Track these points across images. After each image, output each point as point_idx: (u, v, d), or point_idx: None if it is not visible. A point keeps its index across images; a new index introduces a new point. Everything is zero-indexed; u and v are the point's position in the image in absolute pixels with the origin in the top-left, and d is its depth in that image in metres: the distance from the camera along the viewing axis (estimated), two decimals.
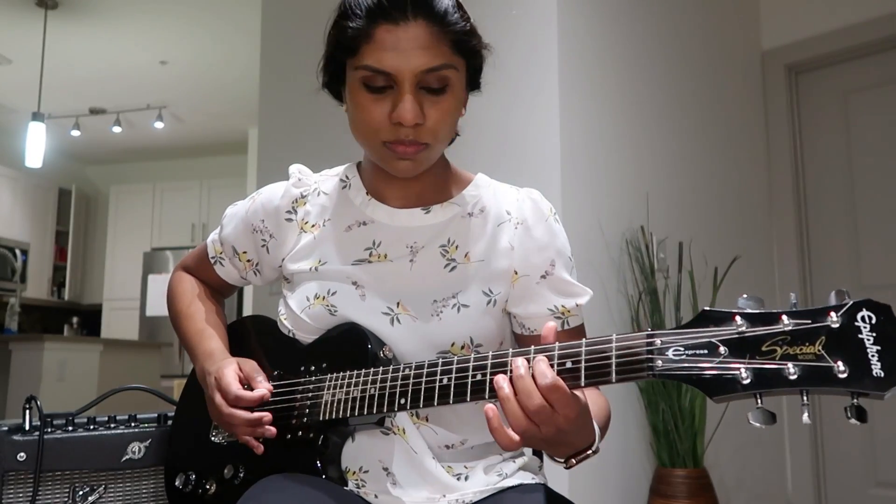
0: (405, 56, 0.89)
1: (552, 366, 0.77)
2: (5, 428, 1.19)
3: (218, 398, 0.97)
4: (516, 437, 0.77)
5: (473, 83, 1.02)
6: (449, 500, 0.96)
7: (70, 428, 1.23)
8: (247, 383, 0.99)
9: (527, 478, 1.02)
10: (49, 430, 1.21)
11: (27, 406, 1.21)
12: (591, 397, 0.92)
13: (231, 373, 0.99)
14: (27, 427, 1.20)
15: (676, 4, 2.82)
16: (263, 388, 0.98)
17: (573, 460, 0.82)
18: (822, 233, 3.13)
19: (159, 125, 6.42)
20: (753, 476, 2.80)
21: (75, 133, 6.62)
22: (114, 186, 7.59)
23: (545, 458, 1.13)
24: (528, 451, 1.11)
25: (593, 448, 0.82)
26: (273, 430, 0.95)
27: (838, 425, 2.97)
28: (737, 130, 3.08)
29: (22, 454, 1.18)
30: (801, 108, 3.23)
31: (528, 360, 0.78)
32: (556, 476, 1.96)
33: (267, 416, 0.95)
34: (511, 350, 0.82)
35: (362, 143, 0.98)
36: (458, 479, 0.98)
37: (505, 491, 0.98)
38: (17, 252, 6.09)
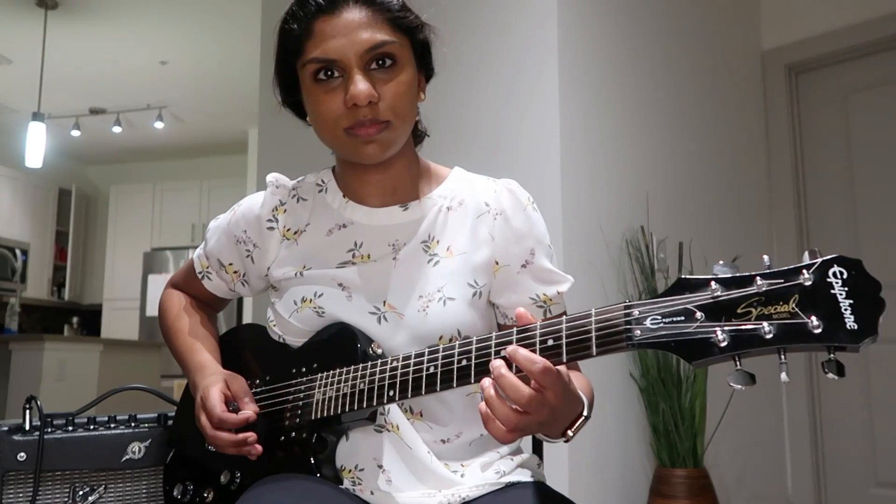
0: (346, 39, 0.92)
1: (534, 349, 0.78)
2: (5, 428, 1.19)
3: (203, 419, 0.98)
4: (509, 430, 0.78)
5: (426, 66, 1.03)
6: (445, 495, 0.96)
7: (70, 428, 1.23)
8: (233, 402, 0.99)
9: (525, 475, 1.02)
10: (49, 430, 1.21)
11: (27, 406, 1.21)
12: (573, 375, 0.93)
13: (216, 393, 0.98)
14: (27, 427, 1.20)
15: (676, 4, 2.82)
16: (249, 410, 0.98)
17: (570, 432, 0.84)
18: (822, 233, 3.13)
19: (159, 125, 6.42)
20: (753, 476, 2.80)
21: (75, 133, 6.62)
22: (114, 186, 7.59)
23: (546, 445, 1.13)
24: (526, 449, 1.11)
25: (584, 414, 0.84)
26: (259, 448, 0.96)
27: (838, 425, 2.97)
28: (737, 130, 3.08)
29: (22, 454, 1.18)
30: (801, 108, 3.23)
31: (506, 359, 0.79)
32: (556, 475, 1.96)
33: (252, 435, 0.95)
34: (494, 334, 0.82)
35: (327, 139, 0.99)
36: (455, 475, 0.98)
37: (503, 488, 0.98)
38: (17, 252, 6.10)
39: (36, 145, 4.82)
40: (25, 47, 5.07)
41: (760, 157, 3.20)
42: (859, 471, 2.91)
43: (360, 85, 0.92)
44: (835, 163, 3.13)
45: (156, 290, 6.74)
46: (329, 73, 0.94)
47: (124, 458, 1.24)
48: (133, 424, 1.27)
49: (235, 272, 1.13)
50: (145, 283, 6.93)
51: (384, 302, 1.00)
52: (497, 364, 0.78)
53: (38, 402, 1.22)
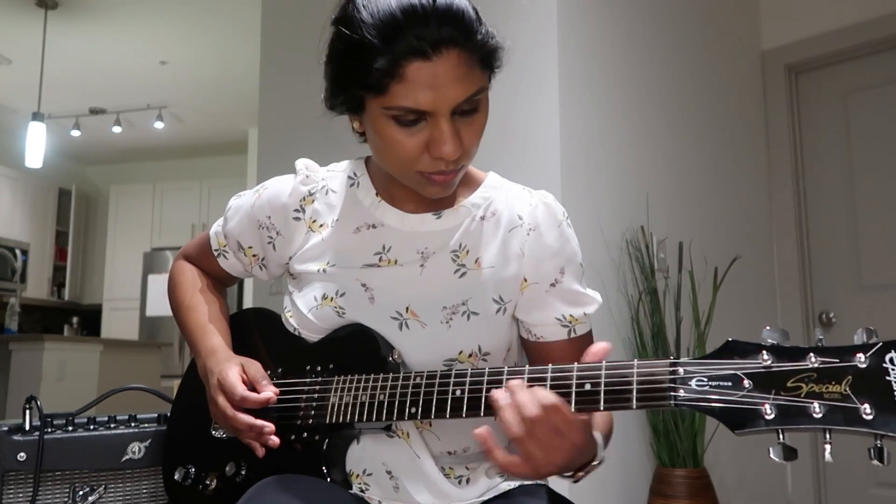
0: (441, 92, 0.85)
1: (570, 391, 0.77)
2: (5, 428, 1.19)
3: (222, 400, 0.96)
4: (514, 457, 0.76)
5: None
6: None
7: (70, 428, 1.23)
8: (251, 386, 0.98)
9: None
10: (49, 430, 1.21)
11: (27, 406, 1.21)
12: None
13: (235, 374, 0.97)
14: (27, 427, 1.20)
15: (677, 4, 2.82)
16: (269, 391, 0.96)
17: (580, 473, 0.83)
18: (822, 233, 3.12)
19: (159, 125, 6.42)
20: (753, 476, 2.80)
21: (75, 133, 6.62)
22: (114, 186, 7.59)
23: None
24: None
25: (598, 460, 0.82)
26: (276, 440, 0.93)
27: None
28: (737, 130, 3.08)
29: (22, 454, 1.18)
30: (801, 108, 3.23)
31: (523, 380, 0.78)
32: (556, 476, 1.96)
33: (269, 426, 0.93)
34: (528, 367, 0.81)
35: (392, 170, 0.95)
36: (460, 482, 0.98)
37: (506, 493, 0.98)
38: (17, 252, 6.09)
39: (36, 145, 4.82)
40: (25, 47, 5.07)
41: (760, 157, 3.20)
42: (859, 471, 2.90)
43: (451, 145, 0.87)
44: (835, 163, 3.13)
45: (156, 290, 6.74)
46: (412, 116, 0.86)
47: (124, 458, 1.24)
48: (133, 424, 1.27)
49: (254, 256, 1.10)
50: (145, 283, 6.92)
51: (407, 308, 0.97)
52: (514, 383, 0.77)
53: (38, 402, 1.22)
